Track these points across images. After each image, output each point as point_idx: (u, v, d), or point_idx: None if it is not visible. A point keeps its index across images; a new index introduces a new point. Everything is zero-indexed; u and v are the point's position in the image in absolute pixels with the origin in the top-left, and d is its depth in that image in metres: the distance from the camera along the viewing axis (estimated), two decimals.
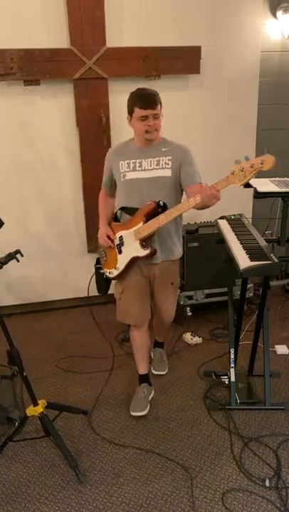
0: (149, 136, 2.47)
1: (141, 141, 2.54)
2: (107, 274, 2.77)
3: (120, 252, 2.65)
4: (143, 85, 2.59)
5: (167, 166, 2.51)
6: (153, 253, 2.56)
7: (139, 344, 2.88)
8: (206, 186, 2.28)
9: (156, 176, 2.51)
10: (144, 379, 2.93)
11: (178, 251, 2.73)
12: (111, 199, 2.80)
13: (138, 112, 2.42)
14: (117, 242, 2.66)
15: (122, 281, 2.73)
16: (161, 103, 2.43)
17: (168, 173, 2.51)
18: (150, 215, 2.48)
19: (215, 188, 2.25)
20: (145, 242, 2.55)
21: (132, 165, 2.55)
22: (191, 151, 2.54)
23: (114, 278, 2.74)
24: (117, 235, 2.66)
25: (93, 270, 3.04)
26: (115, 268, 2.68)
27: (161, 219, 2.43)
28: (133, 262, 2.61)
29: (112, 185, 2.72)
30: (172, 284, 2.79)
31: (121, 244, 2.64)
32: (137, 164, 2.54)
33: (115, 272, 2.69)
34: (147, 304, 2.78)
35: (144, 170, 2.53)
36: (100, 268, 2.85)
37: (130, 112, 2.47)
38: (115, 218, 2.73)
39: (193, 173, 2.52)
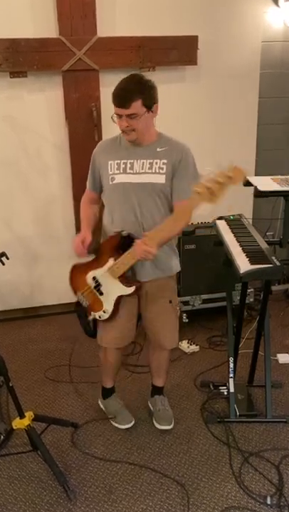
0: (127, 138, 2.30)
1: None
2: (97, 317, 2.55)
3: (101, 293, 2.46)
4: None
5: (161, 171, 2.31)
6: (139, 287, 2.41)
7: (113, 365, 2.79)
8: (140, 242, 2.19)
9: (147, 182, 2.32)
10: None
11: (174, 264, 2.55)
12: (96, 206, 2.63)
13: (114, 107, 2.23)
14: (92, 284, 2.47)
15: None
16: (143, 99, 2.18)
17: (161, 179, 2.31)
18: (118, 248, 2.33)
19: (147, 245, 2.16)
20: (125, 277, 2.38)
21: (122, 166, 2.34)
22: (191, 152, 2.34)
23: (106, 320, 2.53)
24: (88, 276, 2.48)
25: None
26: (104, 311, 2.49)
27: (138, 252, 2.23)
28: (120, 299, 2.44)
29: (101, 189, 2.52)
30: (170, 302, 2.58)
31: (98, 285, 2.45)
32: (128, 166, 2.33)
33: (105, 315, 2.50)
34: (132, 325, 2.63)
35: (135, 173, 2.33)
36: (81, 307, 2.62)
37: None
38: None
39: (186, 187, 2.26)
